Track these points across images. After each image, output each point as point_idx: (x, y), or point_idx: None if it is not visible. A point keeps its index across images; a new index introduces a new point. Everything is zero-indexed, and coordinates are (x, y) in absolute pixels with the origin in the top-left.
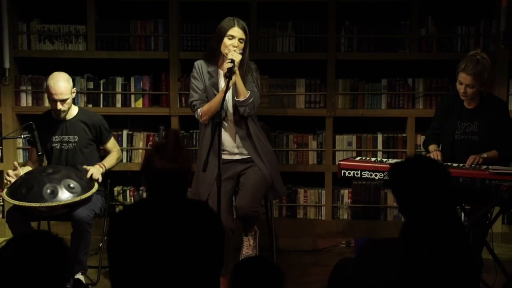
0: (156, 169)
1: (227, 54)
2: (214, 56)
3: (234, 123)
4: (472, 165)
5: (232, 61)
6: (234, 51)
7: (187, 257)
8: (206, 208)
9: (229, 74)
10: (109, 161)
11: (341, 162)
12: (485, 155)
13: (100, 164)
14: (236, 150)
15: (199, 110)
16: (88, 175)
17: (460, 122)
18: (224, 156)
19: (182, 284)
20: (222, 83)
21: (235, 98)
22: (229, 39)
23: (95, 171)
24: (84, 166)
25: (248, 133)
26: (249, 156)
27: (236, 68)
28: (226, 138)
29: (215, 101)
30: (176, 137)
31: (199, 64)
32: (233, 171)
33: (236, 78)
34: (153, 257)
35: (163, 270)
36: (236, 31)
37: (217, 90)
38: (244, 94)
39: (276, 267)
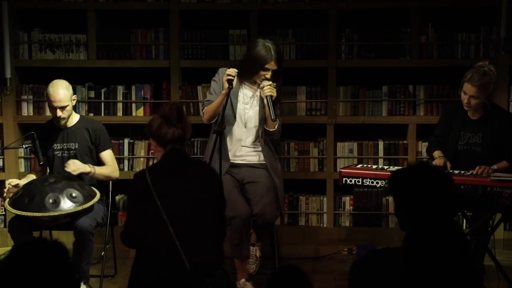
0: (165, 133)
1: (262, 88)
2: (242, 73)
3: (251, 133)
4: (480, 174)
5: (231, 78)
6: (269, 87)
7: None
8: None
9: (230, 84)
10: (101, 168)
11: (343, 170)
12: (495, 167)
13: (90, 165)
14: (247, 156)
15: (204, 108)
16: (67, 167)
17: (464, 133)
18: (236, 161)
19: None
20: (241, 94)
21: (265, 127)
22: (264, 70)
23: (78, 163)
24: (70, 160)
25: (266, 145)
26: (259, 163)
27: (267, 96)
28: (237, 146)
29: (215, 103)
30: (178, 108)
31: (224, 70)
32: (239, 174)
33: (267, 108)
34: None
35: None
36: (272, 65)
37: (235, 99)
38: (273, 125)
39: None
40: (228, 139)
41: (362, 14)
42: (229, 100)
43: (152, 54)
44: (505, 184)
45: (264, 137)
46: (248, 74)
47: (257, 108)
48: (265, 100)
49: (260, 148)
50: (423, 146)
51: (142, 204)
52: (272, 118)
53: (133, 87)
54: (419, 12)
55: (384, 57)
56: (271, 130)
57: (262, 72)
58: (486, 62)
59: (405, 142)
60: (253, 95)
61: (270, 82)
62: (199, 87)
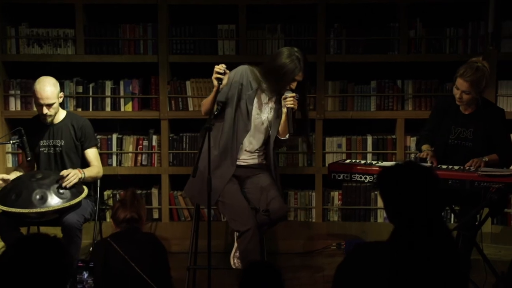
0: (118, 216)
1: (285, 99)
2: (267, 79)
3: (259, 134)
4: (471, 168)
5: (220, 76)
6: (292, 99)
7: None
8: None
9: (219, 80)
10: (89, 171)
11: (331, 165)
12: (486, 158)
13: (80, 170)
14: (251, 159)
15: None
16: (64, 182)
17: (455, 127)
18: (239, 163)
19: None
20: (256, 100)
21: (277, 135)
22: (292, 81)
23: (72, 175)
24: (62, 172)
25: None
26: (258, 163)
27: (288, 108)
28: (248, 145)
29: (209, 99)
30: (132, 194)
31: (246, 70)
32: (241, 174)
33: (284, 116)
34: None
35: None
36: (300, 76)
37: (251, 104)
38: (285, 133)
39: (280, 273)
40: (239, 145)
41: (351, 9)
42: (246, 108)
43: (141, 49)
44: (492, 179)
45: (272, 146)
46: (273, 85)
47: (268, 115)
48: (284, 110)
49: (261, 153)
50: (411, 141)
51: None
52: (290, 131)
53: (122, 82)
54: (407, 7)
55: (372, 52)
56: (282, 138)
57: (290, 83)
58: (480, 58)
59: (394, 137)
60: (268, 101)
61: (294, 94)
62: (187, 82)
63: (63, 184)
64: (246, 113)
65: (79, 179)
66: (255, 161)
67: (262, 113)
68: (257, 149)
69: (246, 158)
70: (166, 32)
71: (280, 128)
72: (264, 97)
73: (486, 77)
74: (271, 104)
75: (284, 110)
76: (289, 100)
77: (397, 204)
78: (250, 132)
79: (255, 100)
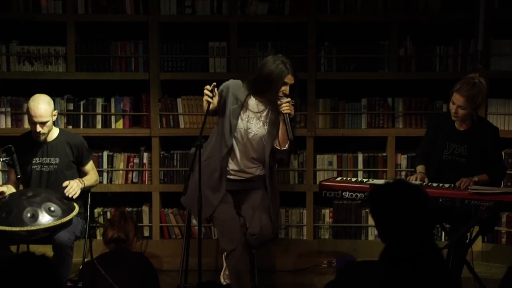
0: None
1: (280, 105)
2: (258, 90)
3: (254, 148)
4: (462, 187)
5: (209, 99)
6: (288, 104)
7: None
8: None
9: (208, 102)
10: (88, 179)
11: (322, 183)
12: (476, 178)
13: (80, 179)
14: (245, 173)
15: None
16: (67, 191)
17: (449, 143)
18: (230, 177)
19: None
20: (246, 111)
21: (275, 146)
22: (283, 85)
23: (75, 185)
24: (65, 182)
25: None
26: (253, 175)
27: (285, 114)
28: (242, 160)
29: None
30: (121, 214)
31: (231, 85)
32: (235, 189)
33: (282, 125)
34: None
35: None
36: (290, 79)
37: (235, 119)
38: (285, 142)
39: None
40: (229, 158)
41: (341, 27)
42: (229, 122)
43: (132, 66)
44: (483, 197)
45: (270, 158)
46: (265, 94)
47: (262, 128)
48: (281, 118)
49: (258, 164)
50: (402, 159)
51: None
52: (290, 137)
53: (113, 100)
54: (398, 25)
55: (363, 70)
56: (282, 149)
57: (281, 88)
58: (477, 74)
59: (384, 154)
60: (260, 113)
61: (289, 99)
62: (179, 99)
63: (67, 193)
64: (229, 128)
65: (81, 189)
66: (250, 175)
67: (254, 126)
68: (253, 163)
69: (241, 169)
70: (157, 49)
71: (280, 137)
72: (255, 109)
73: (482, 93)
74: (264, 117)
75: (281, 118)
76: (285, 105)
77: (388, 222)
78: (240, 147)
79: (245, 114)
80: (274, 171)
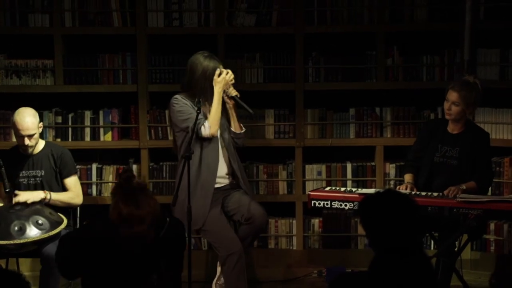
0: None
1: (226, 92)
2: (202, 91)
3: (228, 152)
4: (450, 196)
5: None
6: (232, 88)
7: None
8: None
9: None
10: (58, 195)
11: (311, 193)
12: (464, 186)
13: (45, 191)
14: (226, 179)
15: (206, 123)
16: (15, 199)
17: (441, 146)
18: (218, 182)
19: None
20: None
21: (233, 130)
22: (220, 74)
23: (25, 196)
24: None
25: (239, 162)
26: (234, 182)
27: (235, 96)
28: (221, 167)
29: (217, 112)
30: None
31: (182, 98)
32: (219, 197)
33: (232, 111)
34: None
35: None
36: (222, 68)
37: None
38: (240, 126)
39: None
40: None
41: (329, 38)
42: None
43: (120, 79)
44: (471, 205)
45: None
46: (211, 91)
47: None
48: (231, 103)
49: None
50: (390, 168)
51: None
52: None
53: (101, 112)
54: (384, 36)
55: (350, 80)
56: (241, 132)
57: (222, 75)
58: (471, 76)
59: (373, 164)
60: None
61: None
62: (167, 111)
63: (15, 199)
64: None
65: (41, 199)
66: (227, 181)
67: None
68: (229, 152)
69: (221, 180)
70: (145, 61)
71: (233, 124)
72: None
73: (475, 92)
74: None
75: (230, 104)
76: (231, 90)
77: (378, 231)
78: (221, 153)
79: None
80: (241, 169)
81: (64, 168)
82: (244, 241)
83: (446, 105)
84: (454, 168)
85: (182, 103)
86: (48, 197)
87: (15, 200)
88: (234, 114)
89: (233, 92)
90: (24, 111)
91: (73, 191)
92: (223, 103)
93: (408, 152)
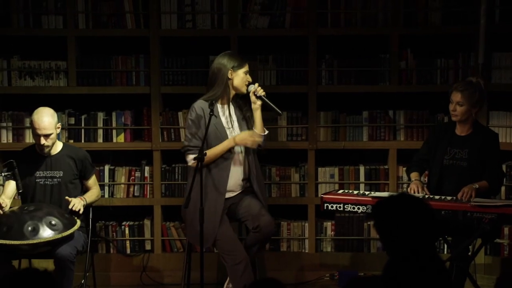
0: None
1: (254, 92)
2: (225, 91)
3: (247, 158)
4: (464, 199)
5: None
6: (260, 88)
7: None
8: None
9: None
10: (90, 196)
11: (324, 196)
12: (477, 185)
13: (82, 197)
14: (239, 187)
15: (191, 156)
16: (70, 206)
17: (450, 148)
18: (229, 195)
19: None
20: (224, 120)
21: (257, 132)
22: (245, 74)
23: (77, 202)
24: (66, 197)
25: (258, 166)
26: (248, 185)
27: (263, 96)
28: (234, 175)
29: (216, 155)
30: None
31: (199, 106)
32: (227, 205)
33: (258, 112)
34: None
35: None
36: (246, 66)
37: (221, 131)
38: (263, 129)
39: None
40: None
41: (342, 40)
42: (219, 133)
43: (133, 81)
44: (485, 209)
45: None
46: (232, 91)
47: (238, 125)
48: (258, 103)
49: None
50: (403, 171)
51: None
52: (280, 112)
53: (114, 114)
54: (398, 38)
55: (363, 83)
56: (264, 134)
57: (245, 78)
58: (475, 77)
59: (386, 167)
60: (230, 114)
61: (256, 83)
62: (180, 113)
63: (70, 206)
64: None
65: (83, 206)
66: (240, 189)
67: (234, 128)
68: (247, 158)
69: (233, 184)
70: (158, 63)
71: (258, 126)
72: (227, 112)
73: (479, 91)
74: (234, 117)
75: (257, 104)
76: (259, 88)
77: (392, 235)
78: (234, 164)
79: (224, 121)
80: (258, 172)
81: (86, 171)
82: (252, 248)
83: (451, 106)
84: (464, 170)
85: (194, 115)
86: (85, 203)
87: (75, 208)
88: (260, 116)
89: (261, 92)
90: (43, 111)
91: (95, 188)
92: (250, 103)
93: (414, 154)
